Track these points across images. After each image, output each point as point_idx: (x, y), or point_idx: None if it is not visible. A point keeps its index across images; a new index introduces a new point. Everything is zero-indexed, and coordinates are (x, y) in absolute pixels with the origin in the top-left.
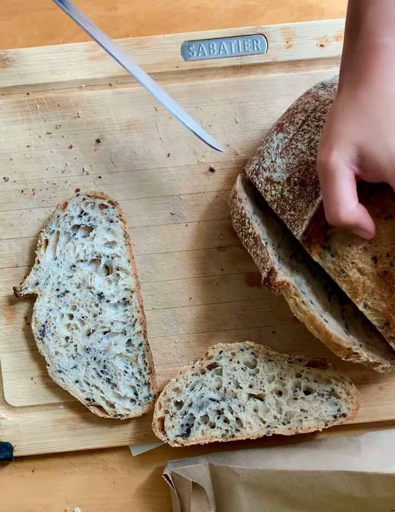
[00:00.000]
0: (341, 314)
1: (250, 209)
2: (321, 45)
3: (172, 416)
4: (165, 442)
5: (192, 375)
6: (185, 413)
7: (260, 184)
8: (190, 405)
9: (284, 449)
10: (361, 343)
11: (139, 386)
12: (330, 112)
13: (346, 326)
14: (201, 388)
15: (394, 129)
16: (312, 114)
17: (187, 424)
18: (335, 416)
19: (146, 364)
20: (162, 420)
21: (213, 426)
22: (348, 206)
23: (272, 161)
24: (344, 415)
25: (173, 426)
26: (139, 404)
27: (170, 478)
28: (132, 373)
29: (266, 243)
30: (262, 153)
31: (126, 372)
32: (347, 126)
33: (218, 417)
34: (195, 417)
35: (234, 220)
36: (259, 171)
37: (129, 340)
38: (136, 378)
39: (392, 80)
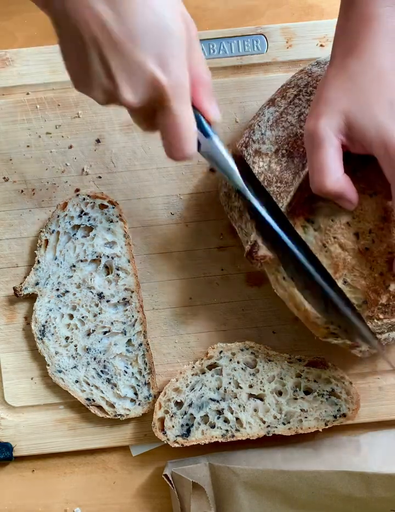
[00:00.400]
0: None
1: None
2: (321, 45)
3: (172, 416)
4: (165, 442)
5: (192, 375)
6: (185, 413)
7: (248, 156)
8: (190, 405)
9: (284, 449)
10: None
11: (139, 386)
12: (321, 81)
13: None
14: (201, 388)
15: (382, 100)
16: (304, 89)
17: (187, 424)
18: (335, 416)
19: (146, 364)
20: (162, 420)
21: (213, 426)
22: (334, 174)
23: (261, 134)
24: (344, 415)
25: (173, 426)
26: (139, 404)
27: (170, 478)
28: (132, 373)
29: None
30: (253, 126)
31: (126, 372)
32: (336, 96)
33: (218, 418)
34: (195, 417)
35: (221, 193)
36: (248, 143)
37: (129, 340)
38: (136, 378)
39: (384, 52)
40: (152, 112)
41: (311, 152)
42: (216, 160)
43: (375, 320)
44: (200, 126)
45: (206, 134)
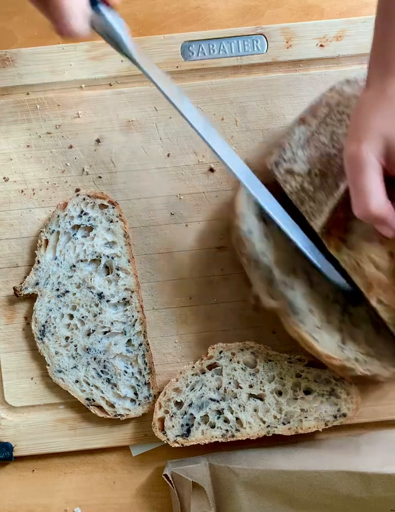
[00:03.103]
0: (339, 326)
1: (249, 224)
2: (321, 45)
3: (172, 416)
4: (165, 442)
5: (192, 375)
6: (185, 413)
7: (279, 175)
8: (190, 405)
9: (284, 449)
10: (357, 357)
11: (139, 386)
12: (358, 104)
13: (343, 339)
14: (201, 388)
15: None
16: (336, 108)
17: (187, 424)
18: (335, 416)
19: (146, 364)
20: (162, 420)
21: (213, 426)
22: (378, 198)
23: (293, 153)
24: (344, 415)
25: (173, 426)
26: (139, 404)
27: (170, 478)
28: (132, 373)
29: (257, 266)
30: (283, 145)
31: (126, 372)
32: (375, 119)
33: (218, 417)
34: (195, 417)
35: (233, 236)
36: (279, 162)
37: (129, 340)
38: (136, 378)
39: None
40: None
41: (354, 176)
42: (108, 35)
43: None
44: (94, 4)
45: (99, 12)
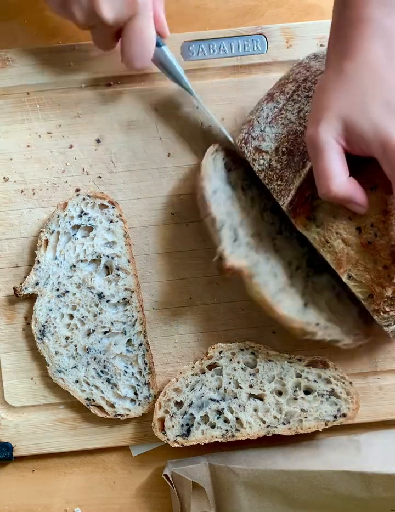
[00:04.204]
0: (303, 291)
1: (214, 186)
2: (321, 45)
3: (172, 416)
4: (165, 442)
5: (192, 375)
6: (185, 413)
7: (248, 153)
8: (190, 405)
9: (284, 449)
10: (319, 322)
11: (139, 386)
12: (318, 86)
13: (306, 304)
14: (201, 388)
15: (378, 101)
16: (303, 84)
17: (187, 424)
18: (335, 416)
19: (146, 364)
20: (162, 420)
21: (213, 426)
22: (339, 178)
23: (261, 131)
24: (344, 415)
25: (173, 426)
26: (139, 404)
27: (170, 478)
28: (132, 373)
29: (222, 225)
30: (252, 122)
31: (126, 372)
32: (333, 100)
33: (218, 417)
34: (195, 417)
35: (198, 196)
36: (248, 140)
37: (129, 340)
38: (136, 378)
39: (378, 54)
40: (117, 30)
41: (315, 158)
42: (166, 67)
43: (381, 314)
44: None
45: (158, 45)
